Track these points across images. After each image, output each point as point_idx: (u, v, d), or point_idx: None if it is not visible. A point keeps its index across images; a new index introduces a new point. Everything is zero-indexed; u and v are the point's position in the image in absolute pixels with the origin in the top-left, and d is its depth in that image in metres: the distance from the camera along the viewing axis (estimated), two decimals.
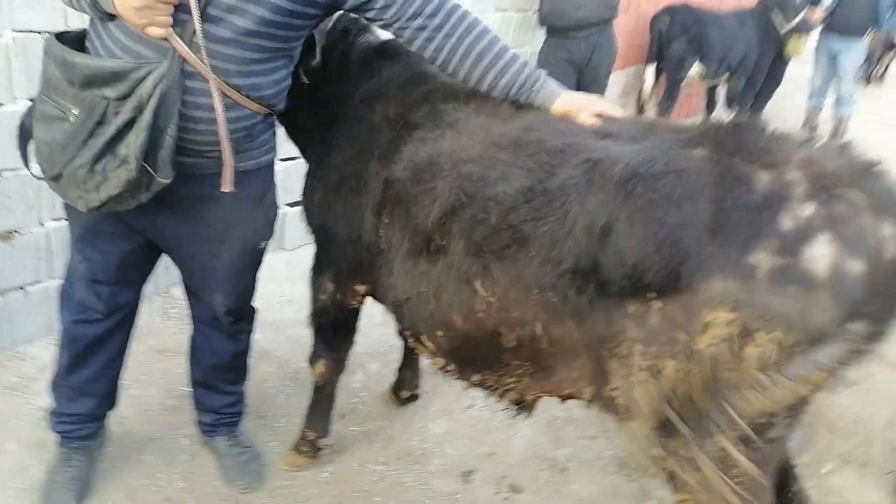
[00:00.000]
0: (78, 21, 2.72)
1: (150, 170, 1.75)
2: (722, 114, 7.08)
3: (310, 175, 2.23)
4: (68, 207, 2.00)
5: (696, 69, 6.62)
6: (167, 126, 1.74)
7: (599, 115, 1.74)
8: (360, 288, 2.17)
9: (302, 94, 2.16)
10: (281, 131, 3.96)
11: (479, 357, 1.78)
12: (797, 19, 6.99)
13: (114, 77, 1.71)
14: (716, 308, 1.33)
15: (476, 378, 1.86)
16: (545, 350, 1.63)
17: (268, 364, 3.06)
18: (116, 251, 2.06)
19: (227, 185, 1.84)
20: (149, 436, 2.57)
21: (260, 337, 3.22)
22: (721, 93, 7.57)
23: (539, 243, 1.54)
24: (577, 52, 4.84)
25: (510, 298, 1.61)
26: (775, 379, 1.30)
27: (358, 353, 3.02)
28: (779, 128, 1.51)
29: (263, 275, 3.69)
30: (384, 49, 2.14)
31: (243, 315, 2.33)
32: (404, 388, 2.85)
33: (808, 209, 1.31)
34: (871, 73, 12.22)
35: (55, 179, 1.82)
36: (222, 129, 1.79)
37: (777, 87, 8.09)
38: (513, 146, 1.67)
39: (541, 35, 5.06)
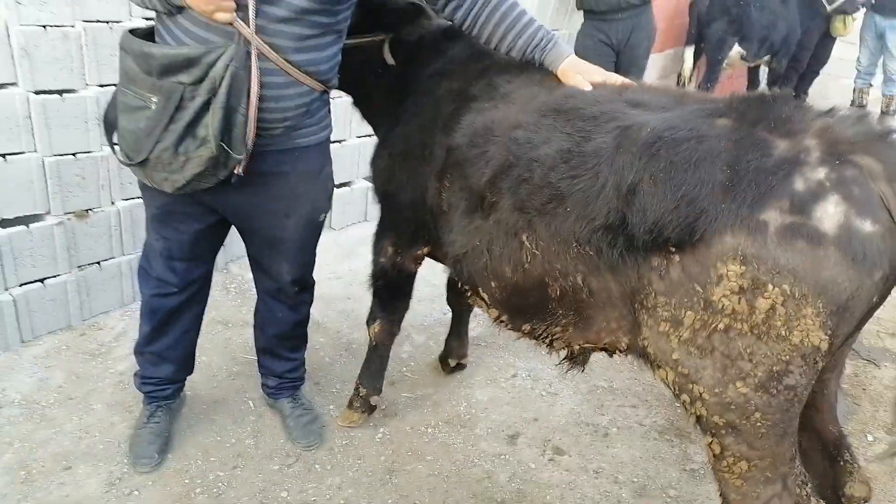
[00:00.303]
0: (140, 12, 2.90)
1: (226, 148, 1.91)
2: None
3: (379, 146, 2.40)
4: (145, 189, 2.18)
5: (736, 50, 6.56)
6: (238, 105, 1.90)
7: (595, 83, 1.93)
8: (420, 251, 2.33)
9: (378, 75, 2.36)
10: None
11: (528, 307, 1.91)
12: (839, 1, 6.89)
13: (188, 63, 1.88)
14: (727, 261, 1.43)
15: (526, 327, 1.98)
16: (586, 300, 1.75)
17: (321, 335, 3.23)
18: (190, 230, 2.25)
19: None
20: (217, 399, 2.76)
21: (313, 310, 3.38)
22: (764, 73, 7.48)
23: (574, 200, 1.66)
24: (614, 35, 4.87)
25: (552, 251, 1.74)
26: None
27: (405, 326, 3.17)
28: (805, 101, 1.60)
29: None
30: (450, 32, 2.30)
31: (306, 285, 2.50)
32: (451, 357, 3.00)
33: (820, 173, 1.40)
34: None
35: (142, 165, 1.99)
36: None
37: (822, 67, 7.94)
38: (554, 113, 1.81)
39: (578, 17, 5.10)
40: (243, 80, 1.90)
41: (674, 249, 1.51)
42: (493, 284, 1.95)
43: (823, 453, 1.88)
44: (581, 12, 4.99)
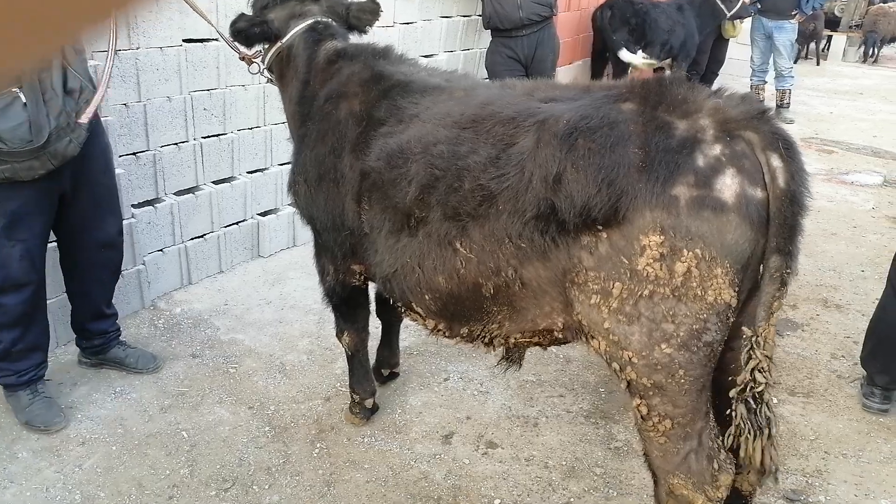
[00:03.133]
0: None
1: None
2: None
3: (293, 170, 2.47)
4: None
5: (640, 55, 6.98)
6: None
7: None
8: (356, 267, 2.42)
9: (285, 91, 2.51)
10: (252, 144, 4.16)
11: (464, 311, 2.02)
12: (738, 5, 7.46)
13: None
14: (648, 233, 1.60)
15: (464, 331, 2.09)
16: (518, 292, 1.87)
17: (253, 360, 3.25)
18: (43, 221, 2.66)
19: None
20: (150, 432, 2.75)
21: (244, 337, 3.44)
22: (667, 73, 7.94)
23: (505, 198, 1.79)
24: (520, 50, 5.13)
25: (486, 251, 1.86)
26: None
27: (336, 343, 3.25)
28: (694, 82, 1.79)
29: (242, 280, 3.95)
30: (345, 51, 2.40)
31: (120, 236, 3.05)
32: (384, 367, 3.08)
33: (716, 149, 1.59)
34: (818, 52, 12.82)
35: (44, 146, 2.41)
36: None
37: (720, 68, 8.52)
38: (473, 123, 1.93)
39: (486, 36, 5.35)
40: None
41: (601, 228, 1.66)
42: (426, 297, 2.05)
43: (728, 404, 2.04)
44: (489, 31, 5.24)
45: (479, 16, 5.28)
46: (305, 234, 4.43)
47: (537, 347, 2.13)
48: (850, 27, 13.51)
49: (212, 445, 2.70)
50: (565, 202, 1.69)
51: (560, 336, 1.96)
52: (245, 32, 2.40)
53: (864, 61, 13.32)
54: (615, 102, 1.73)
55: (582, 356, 3.34)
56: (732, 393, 1.69)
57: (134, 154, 3.48)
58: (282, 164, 4.30)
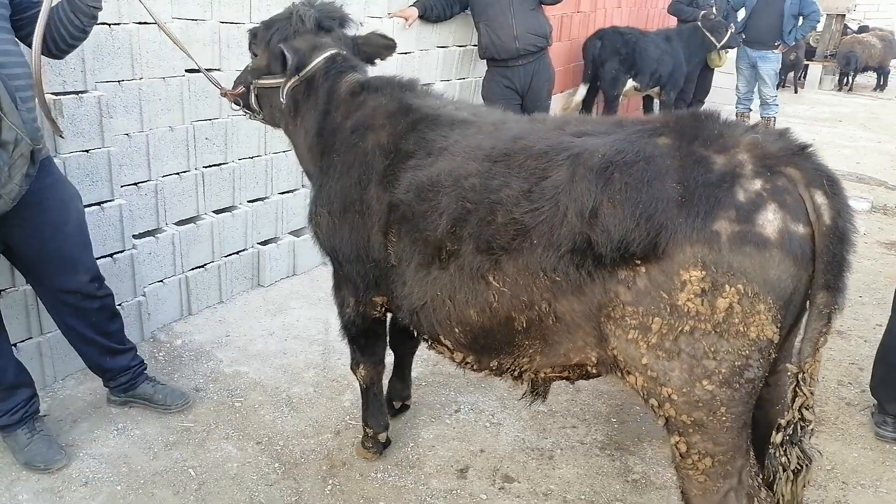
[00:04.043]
0: None
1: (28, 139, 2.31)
2: None
3: (315, 202, 2.41)
4: None
5: (630, 84, 7.11)
6: (14, 98, 2.24)
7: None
8: (378, 299, 2.38)
9: (295, 124, 2.46)
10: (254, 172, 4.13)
11: (495, 344, 1.99)
12: (727, 36, 7.67)
13: None
14: (689, 268, 1.59)
15: (494, 364, 2.06)
16: (552, 326, 1.85)
17: (259, 394, 3.18)
18: None
19: None
20: (156, 470, 2.66)
21: (248, 369, 3.36)
22: (656, 101, 8.11)
23: (539, 232, 1.77)
24: (517, 79, 5.18)
25: (519, 285, 1.83)
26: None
27: (345, 373, 3.20)
28: (728, 117, 1.80)
29: (243, 310, 3.88)
30: (368, 83, 2.39)
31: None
32: (395, 399, 3.02)
33: (756, 184, 1.58)
34: (795, 80, 13.18)
35: None
36: None
37: (706, 96, 8.71)
38: (504, 157, 1.92)
39: (482, 66, 5.40)
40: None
41: (639, 262, 1.65)
42: (456, 330, 2.02)
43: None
44: (484, 61, 5.29)
45: (476, 46, 5.34)
46: (306, 263, 4.41)
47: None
48: (826, 56, 13.91)
49: (220, 483, 2.62)
50: (602, 236, 1.68)
51: (593, 371, 1.93)
52: (291, 55, 2.35)
53: (840, 89, 13.70)
54: (650, 137, 1.73)
55: (591, 385, 3.31)
56: (779, 438, 1.65)
57: (135, 184, 3.43)
58: (282, 193, 4.27)
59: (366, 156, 2.22)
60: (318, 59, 2.42)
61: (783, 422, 1.67)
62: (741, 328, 1.60)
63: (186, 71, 3.55)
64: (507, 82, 5.19)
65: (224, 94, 2.77)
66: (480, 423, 3.06)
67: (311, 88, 2.43)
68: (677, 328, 1.64)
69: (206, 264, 3.84)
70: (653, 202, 1.62)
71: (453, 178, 1.97)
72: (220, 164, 3.85)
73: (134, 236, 3.43)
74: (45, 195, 2.48)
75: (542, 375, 2.06)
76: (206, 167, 3.77)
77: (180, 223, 3.70)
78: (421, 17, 4.86)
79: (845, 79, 13.73)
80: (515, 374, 2.07)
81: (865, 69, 13.74)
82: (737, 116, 8.63)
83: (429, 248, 2.01)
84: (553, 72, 5.48)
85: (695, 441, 1.73)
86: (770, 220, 1.56)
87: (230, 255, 3.99)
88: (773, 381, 1.87)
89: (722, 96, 9.44)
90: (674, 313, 1.64)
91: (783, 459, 1.68)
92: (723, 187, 1.59)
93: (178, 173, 3.63)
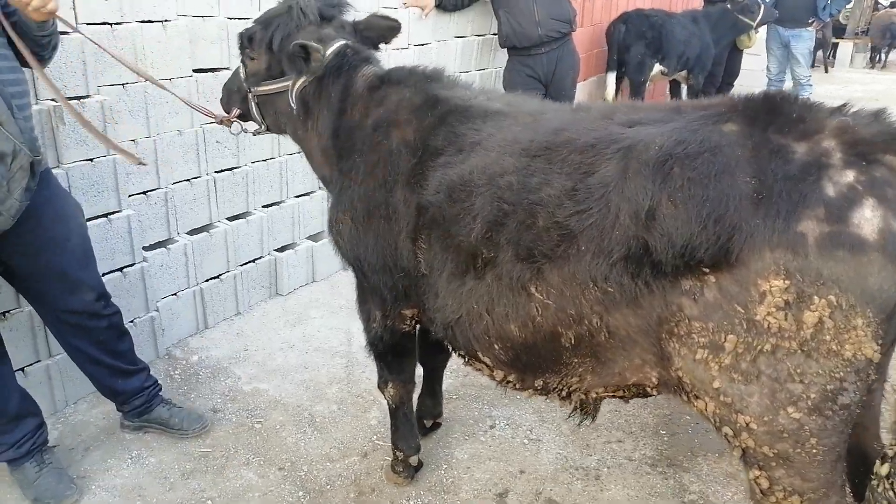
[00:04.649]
0: None
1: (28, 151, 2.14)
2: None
3: (335, 208, 2.19)
4: None
5: (657, 68, 6.80)
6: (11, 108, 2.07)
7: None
8: (408, 312, 2.16)
9: (308, 126, 2.23)
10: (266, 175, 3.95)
11: (540, 362, 1.77)
12: (762, 13, 7.30)
13: None
14: (769, 277, 1.35)
15: (539, 383, 1.84)
16: (604, 343, 1.62)
17: (280, 413, 2.98)
18: None
19: None
20: (172, 501, 2.47)
21: (268, 386, 3.17)
22: (683, 86, 7.77)
23: (587, 237, 1.54)
24: (540, 68, 4.92)
25: (565, 297, 1.61)
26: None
27: (370, 389, 2.99)
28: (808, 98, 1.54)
29: (262, 322, 3.69)
30: (388, 76, 2.16)
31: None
32: (426, 417, 2.80)
33: (848, 176, 1.33)
34: (826, 59, 12.71)
35: None
36: None
37: (735, 79, 8.34)
38: (545, 151, 1.68)
39: (502, 55, 5.15)
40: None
41: (707, 270, 1.42)
42: (496, 347, 1.81)
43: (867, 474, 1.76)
44: (505, 50, 5.04)
45: (495, 34, 5.09)
46: (325, 269, 4.20)
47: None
48: (856, 34, 13.41)
49: None
50: (661, 241, 1.44)
51: (653, 392, 1.70)
52: (300, 53, 2.11)
53: (873, 67, 13.20)
54: (715, 124, 1.49)
55: None
56: (884, 469, 1.41)
57: (144, 193, 3.25)
58: (298, 196, 4.07)
59: (390, 155, 1.99)
60: (328, 54, 2.19)
61: (890, 452, 1.42)
62: (834, 346, 1.36)
63: (194, 71, 3.36)
64: (530, 71, 4.93)
65: (221, 122, 2.56)
66: (518, 440, 2.83)
67: (322, 87, 2.19)
68: (756, 347, 1.41)
69: (221, 274, 3.65)
70: (722, 200, 1.38)
71: (488, 177, 1.74)
72: (233, 169, 3.66)
73: (144, 248, 3.25)
74: (44, 209, 2.29)
75: (594, 395, 1.84)
76: (217, 172, 3.58)
77: (192, 232, 3.52)
78: (437, 6, 4.64)
79: (878, 55, 13.22)
80: (563, 394, 1.85)
81: None
82: None
83: (462, 255, 1.79)
84: (578, 59, 5.21)
85: (779, 476, 1.49)
86: (867, 219, 1.31)
87: (246, 263, 3.80)
88: (868, 401, 1.61)
89: (752, 79, 9.06)
90: (751, 330, 1.40)
91: (890, 494, 1.43)
92: (807, 181, 1.34)
93: (188, 180, 3.44)
